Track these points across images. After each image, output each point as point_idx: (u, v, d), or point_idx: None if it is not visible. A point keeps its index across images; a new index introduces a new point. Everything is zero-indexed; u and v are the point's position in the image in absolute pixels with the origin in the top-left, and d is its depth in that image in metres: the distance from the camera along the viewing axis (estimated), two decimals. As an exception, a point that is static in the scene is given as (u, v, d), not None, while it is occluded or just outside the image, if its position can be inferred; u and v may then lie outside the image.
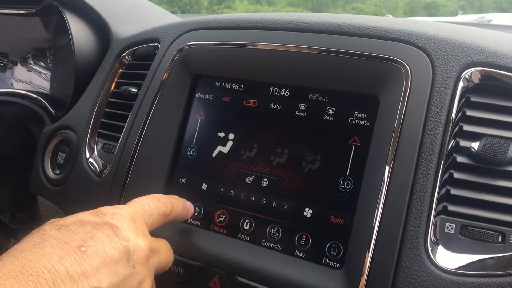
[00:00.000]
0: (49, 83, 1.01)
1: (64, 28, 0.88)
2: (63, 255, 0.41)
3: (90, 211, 0.50)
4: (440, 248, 0.52)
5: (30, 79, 1.04)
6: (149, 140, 0.72)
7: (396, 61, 0.59)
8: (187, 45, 0.74)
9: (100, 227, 0.46)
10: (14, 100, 1.01)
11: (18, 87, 1.04)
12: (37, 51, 1.04)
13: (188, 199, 0.69)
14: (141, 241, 0.48)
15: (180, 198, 0.62)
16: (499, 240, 0.51)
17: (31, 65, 1.05)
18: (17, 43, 1.06)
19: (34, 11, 0.97)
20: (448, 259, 0.51)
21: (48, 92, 1.01)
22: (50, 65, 1.01)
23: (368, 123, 0.60)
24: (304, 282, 0.57)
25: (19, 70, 1.06)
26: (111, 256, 0.44)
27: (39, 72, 1.04)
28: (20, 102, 1.00)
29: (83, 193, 0.77)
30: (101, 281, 0.42)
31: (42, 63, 1.03)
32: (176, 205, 0.60)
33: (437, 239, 0.52)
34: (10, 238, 1.10)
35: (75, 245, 0.43)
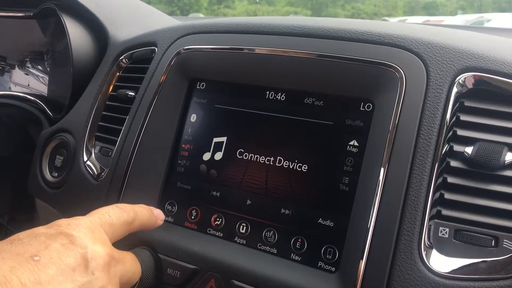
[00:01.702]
0: (47, 86, 1.02)
1: (61, 32, 0.89)
2: (14, 265, 0.40)
3: (45, 225, 0.48)
4: (434, 252, 0.52)
5: (28, 82, 1.05)
6: (146, 144, 0.72)
7: (391, 66, 0.59)
8: (184, 49, 0.74)
9: (55, 237, 0.45)
10: (12, 103, 1.01)
11: (16, 90, 1.04)
12: (35, 54, 1.04)
13: (184, 202, 0.70)
14: (99, 248, 0.46)
15: (146, 206, 0.61)
16: (492, 244, 0.52)
17: (29, 68, 1.05)
18: (15, 47, 1.06)
19: (32, 14, 0.97)
20: (441, 263, 0.52)
21: (46, 95, 1.01)
22: (48, 68, 1.02)
23: (363, 127, 0.61)
24: (300, 286, 0.57)
25: (17, 73, 1.06)
26: (67, 264, 0.43)
27: (37, 75, 1.04)
28: (18, 104, 1.00)
29: (80, 196, 0.77)
30: None
31: (40, 66, 1.03)
32: (141, 213, 0.58)
33: (431, 243, 0.53)
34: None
35: (28, 255, 0.41)
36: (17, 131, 0.98)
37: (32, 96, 0.98)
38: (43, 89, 1.02)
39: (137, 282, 0.57)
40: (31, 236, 0.44)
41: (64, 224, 0.48)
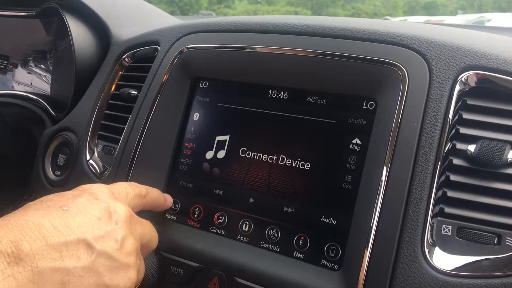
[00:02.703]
0: (49, 85, 1.02)
1: (64, 31, 0.89)
2: (46, 212, 0.44)
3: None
4: (437, 249, 0.53)
5: (30, 81, 1.05)
6: (149, 142, 0.72)
7: (394, 65, 0.60)
8: (186, 47, 0.74)
9: (80, 194, 0.50)
10: (15, 102, 1.01)
11: (19, 89, 1.05)
12: (37, 54, 1.04)
13: (188, 201, 0.70)
14: (121, 205, 0.51)
15: (157, 189, 0.66)
16: (495, 241, 0.52)
17: (31, 68, 1.05)
18: (18, 46, 1.06)
19: (34, 13, 0.97)
20: (444, 260, 0.52)
21: (48, 94, 1.01)
22: (51, 67, 1.02)
23: (366, 125, 0.61)
24: (303, 284, 0.57)
25: (20, 73, 1.07)
26: (93, 214, 0.48)
27: (40, 74, 1.04)
28: (21, 103, 1.01)
29: (83, 194, 0.77)
30: (85, 232, 0.45)
31: (42, 66, 1.04)
32: (152, 191, 0.63)
33: (434, 241, 0.53)
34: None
35: (58, 205, 0.46)
36: (20, 130, 0.98)
37: (34, 95, 0.98)
38: (45, 88, 1.02)
39: (142, 281, 0.58)
40: (59, 195, 0.50)
41: (87, 186, 0.53)
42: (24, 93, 1.00)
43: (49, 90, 1.02)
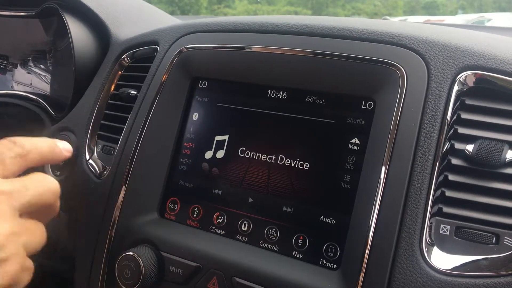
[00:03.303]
0: (49, 85, 1.02)
1: (64, 31, 0.89)
2: None
3: None
4: (435, 249, 0.53)
5: (30, 81, 1.05)
6: (148, 142, 0.73)
7: (392, 65, 0.60)
8: (186, 47, 0.74)
9: None
10: (14, 102, 1.01)
11: (18, 89, 1.05)
12: (37, 54, 1.04)
13: (187, 201, 0.70)
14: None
15: (50, 139, 0.59)
16: (493, 241, 0.52)
17: (31, 67, 1.05)
18: (17, 46, 1.06)
19: (34, 13, 0.97)
20: (443, 260, 0.52)
21: (48, 93, 1.01)
22: (50, 67, 1.02)
23: (364, 125, 0.61)
24: (302, 283, 0.57)
25: (19, 72, 1.07)
26: None
27: (39, 74, 1.04)
28: (20, 103, 1.01)
29: (83, 194, 0.78)
30: None
31: (42, 66, 1.04)
32: (39, 143, 0.56)
33: (432, 240, 0.53)
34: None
35: None
36: (20, 129, 0.98)
37: (34, 95, 0.98)
38: (45, 88, 1.02)
39: None
40: None
41: None
42: (24, 93, 1.00)
43: (48, 90, 1.02)
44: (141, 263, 0.63)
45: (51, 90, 1.01)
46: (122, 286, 0.64)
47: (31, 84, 1.05)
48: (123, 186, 0.71)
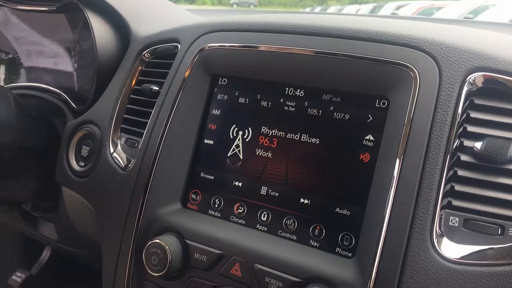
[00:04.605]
0: (70, 78, 1.05)
1: (85, 25, 0.92)
2: None
3: None
4: (445, 239, 0.57)
5: (51, 74, 1.08)
6: (171, 136, 0.76)
7: (406, 66, 0.63)
8: (207, 46, 0.78)
9: None
10: (36, 94, 1.05)
11: (40, 82, 1.08)
12: (59, 48, 1.08)
13: (208, 192, 0.75)
14: None
15: None
16: (499, 232, 0.56)
17: (53, 61, 1.09)
18: (40, 40, 1.09)
19: (55, 8, 1.00)
20: (452, 249, 0.56)
21: (69, 86, 1.05)
22: (72, 61, 1.05)
23: (378, 123, 0.64)
24: (319, 270, 0.62)
25: (41, 65, 1.10)
26: None
27: (61, 67, 1.07)
28: (42, 96, 1.04)
29: (108, 185, 0.82)
30: None
31: (64, 59, 1.07)
32: None
33: (442, 231, 0.57)
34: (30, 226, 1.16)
35: None
36: (42, 121, 1.02)
37: (55, 88, 1.02)
38: (66, 81, 1.06)
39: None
40: None
41: None
42: (45, 86, 1.04)
43: (69, 83, 1.05)
44: (167, 250, 0.68)
45: (72, 83, 1.05)
46: (150, 272, 0.69)
47: (52, 76, 1.08)
48: (149, 178, 0.75)
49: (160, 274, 0.68)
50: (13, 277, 1.64)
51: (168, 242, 0.69)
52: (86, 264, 1.31)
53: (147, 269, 0.69)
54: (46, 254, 1.65)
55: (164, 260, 0.68)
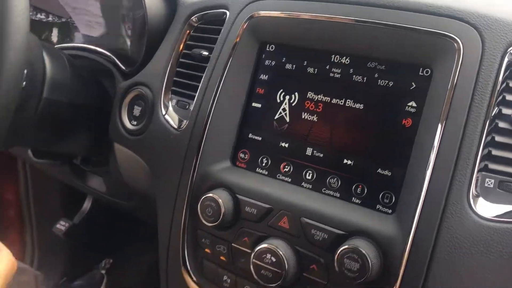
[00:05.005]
0: (119, 41, 1.10)
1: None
2: None
3: None
4: (480, 199, 0.62)
5: (101, 36, 1.13)
6: (222, 99, 0.82)
7: (450, 37, 0.67)
8: (257, 13, 0.82)
9: None
10: (86, 55, 1.11)
11: (90, 44, 1.13)
12: (108, 10, 1.12)
13: (256, 152, 0.81)
14: None
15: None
16: (531, 193, 0.62)
17: (102, 23, 1.13)
18: (90, 2, 1.14)
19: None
20: (486, 208, 0.62)
21: (117, 49, 1.10)
22: (122, 25, 1.10)
23: (421, 90, 0.68)
24: (360, 224, 0.68)
25: (91, 27, 1.14)
26: None
27: (111, 31, 1.12)
28: (91, 57, 1.10)
29: (161, 144, 0.89)
30: None
31: (114, 22, 1.11)
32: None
33: (478, 192, 0.63)
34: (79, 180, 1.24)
35: None
36: (92, 81, 1.08)
37: (104, 50, 1.07)
38: (115, 43, 1.11)
39: None
40: None
41: None
42: (94, 47, 1.09)
43: (118, 45, 1.10)
44: (221, 203, 0.75)
45: (120, 46, 1.10)
46: (204, 223, 0.76)
47: (102, 39, 1.13)
48: (202, 139, 0.82)
49: (214, 224, 0.76)
50: (58, 225, 1.76)
51: (221, 196, 0.76)
52: (129, 214, 1.40)
53: (202, 220, 0.77)
54: (87, 204, 1.76)
55: (218, 212, 0.75)
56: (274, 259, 0.70)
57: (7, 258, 0.64)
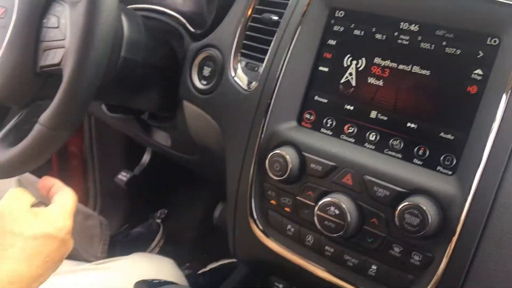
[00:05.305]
0: (189, 3, 1.15)
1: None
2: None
3: None
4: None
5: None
6: (291, 62, 0.87)
7: (520, 8, 0.69)
8: (327, -21, 0.85)
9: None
10: (156, 17, 1.17)
11: (158, 5, 1.19)
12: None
13: (321, 113, 0.85)
14: None
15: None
16: None
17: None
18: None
19: None
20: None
21: (187, 11, 1.15)
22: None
23: (488, 59, 0.71)
24: (422, 183, 0.72)
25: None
26: None
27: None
28: (160, 18, 1.17)
29: (231, 103, 0.95)
30: None
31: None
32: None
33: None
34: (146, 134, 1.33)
35: None
36: (163, 42, 1.15)
37: (173, 11, 1.13)
38: (184, 5, 1.16)
39: None
40: None
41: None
42: (163, 8, 1.16)
43: (187, 8, 1.15)
44: (288, 159, 0.81)
45: (190, 8, 1.15)
46: (272, 177, 0.83)
47: (171, 1, 1.18)
48: (270, 99, 0.87)
49: (280, 178, 0.82)
50: (119, 176, 1.89)
51: (289, 153, 0.82)
52: (185, 167, 1.49)
53: (270, 174, 0.83)
54: (146, 157, 1.87)
55: (285, 167, 0.81)
56: (337, 212, 0.76)
57: (70, 194, 0.80)
